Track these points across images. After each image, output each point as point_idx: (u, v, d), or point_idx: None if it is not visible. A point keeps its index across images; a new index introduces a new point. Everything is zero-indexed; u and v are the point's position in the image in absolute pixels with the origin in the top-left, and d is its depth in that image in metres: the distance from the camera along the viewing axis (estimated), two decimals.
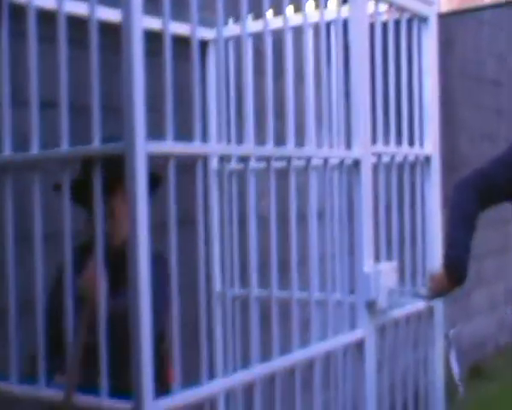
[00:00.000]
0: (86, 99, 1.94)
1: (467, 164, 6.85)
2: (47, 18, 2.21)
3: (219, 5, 2.08)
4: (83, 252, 2.16)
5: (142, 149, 1.74)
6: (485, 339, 7.56)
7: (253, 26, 2.94)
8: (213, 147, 2.17)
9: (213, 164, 3.28)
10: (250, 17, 3.01)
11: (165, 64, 1.88)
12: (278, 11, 2.44)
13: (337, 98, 2.71)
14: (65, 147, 1.93)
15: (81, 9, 2.63)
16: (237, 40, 3.16)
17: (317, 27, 2.61)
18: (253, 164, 2.19)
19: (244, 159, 2.16)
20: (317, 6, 2.82)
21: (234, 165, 2.93)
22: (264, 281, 2.37)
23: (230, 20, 3.18)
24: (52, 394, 1.99)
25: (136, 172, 1.72)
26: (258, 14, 2.38)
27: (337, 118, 2.68)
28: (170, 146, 1.86)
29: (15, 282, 2.09)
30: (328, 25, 2.78)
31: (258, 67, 2.20)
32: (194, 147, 1.96)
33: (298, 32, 2.64)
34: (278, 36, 2.32)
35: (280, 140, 2.32)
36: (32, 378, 2.07)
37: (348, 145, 2.64)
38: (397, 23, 2.90)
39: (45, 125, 2.12)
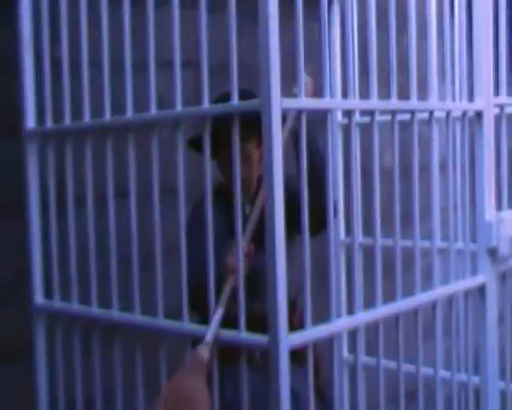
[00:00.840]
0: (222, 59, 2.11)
1: None
2: None
3: None
4: (217, 196, 2.44)
5: (278, 105, 1.89)
6: None
7: None
8: (341, 102, 2.29)
9: (339, 118, 3.42)
10: None
11: (297, 24, 2.01)
12: None
13: (459, 51, 2.76)
14: (205, 105, 2.11)
15: None
16: None
17: None
18: (377, 117, 2.30)
19: (369, 113, 2.28)
20: None
21: (358, 118, 3.05)
22: (385, 232, 2.48)
23: None
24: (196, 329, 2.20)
25: (272, 127, 1.88)
26: None
27: (459, 71, 2.74)
28: (302, 102, 2.01)
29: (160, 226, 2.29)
30: None
31: (379, 23, 2.28)
32: (325, 102, 2.10)
33: None
34: None
35: (403, 93, 2.42)
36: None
37: (471, 98, 2.71)
38: None
39: (186, 84, 2.30)
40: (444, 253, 2.74)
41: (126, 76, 2.33)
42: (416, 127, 2.44)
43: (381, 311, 2.28)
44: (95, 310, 2.46)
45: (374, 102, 2.27)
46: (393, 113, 2.35)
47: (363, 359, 3.20)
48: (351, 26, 2.24)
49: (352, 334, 2.29)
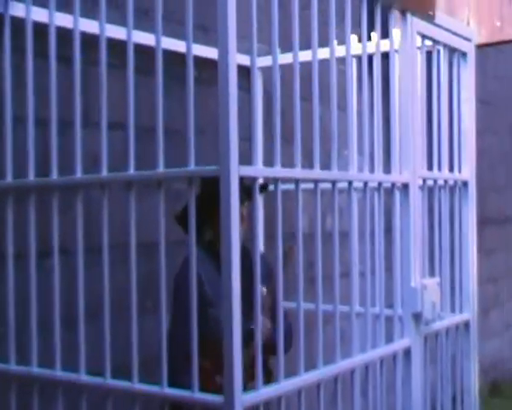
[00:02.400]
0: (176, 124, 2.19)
1: (489, 186, 7.09)
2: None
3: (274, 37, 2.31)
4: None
5: (236, 172, 1.98)
6: (504, 359, 7.77)
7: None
8: (288, 171, 2.38)
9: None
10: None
11: (254, 98, 2.12)
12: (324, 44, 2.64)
13: (377, 126, 2.90)
14: (160, 169, 2.17)
15: (147, 40, 2.93)
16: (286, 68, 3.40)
17: (359, 59, 2.85)
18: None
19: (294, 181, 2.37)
20: (359, 40, 3.09)
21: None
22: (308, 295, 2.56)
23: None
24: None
25: (229, 192, 1.97)
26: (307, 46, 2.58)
27: (377, 146, 2.87)
28: (257, 170, 2.12)
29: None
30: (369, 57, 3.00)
31: (302, 94, 2.39)
32: (273, 171, 2.21)
33: (341, 62, 2.83)
34: (323, 66, 2.52)
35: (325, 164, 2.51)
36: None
37: (385, 170, 2.85)
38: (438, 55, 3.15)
39: (140, 148, 2.36)
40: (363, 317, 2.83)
41: (52, 136, 2.41)
42: (337, 196, 2.51)
43: (322, 372, 2.37)
44: (35, 369, 2.44)
45: (297, 172, 2.33)
46: (316, 182, 2.41)
47: None
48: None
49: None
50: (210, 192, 2.47)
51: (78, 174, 2.37)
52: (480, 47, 4.30)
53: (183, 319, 2.42)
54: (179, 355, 2.61)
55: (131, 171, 2.23)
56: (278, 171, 2.21)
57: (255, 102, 2.22)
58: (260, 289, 2.63)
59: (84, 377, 2.34)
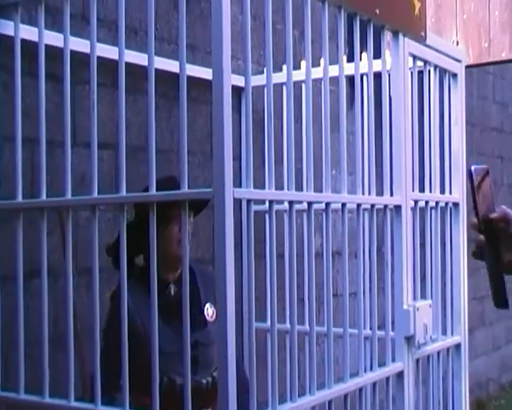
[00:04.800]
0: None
1: None
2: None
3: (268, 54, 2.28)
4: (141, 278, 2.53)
5: (230, 194, 1.95)
6: (488, 378, 7.76)
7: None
8: (281, 194, 2.36)
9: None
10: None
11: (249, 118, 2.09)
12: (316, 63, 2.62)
13: (369, 149, 2.89)
14: (153, 191, 2.13)
15: (137, 59, 2.90)
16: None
17: (348, 79, 2.84)
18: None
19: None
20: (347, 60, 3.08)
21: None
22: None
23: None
24: None
25: (224, 215, 1.93)
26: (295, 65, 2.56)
27: (369, 168, 2.86)
28: (252, 192, 2.09)
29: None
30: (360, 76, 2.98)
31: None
32: (268, 193, 2.18)
33: (332, 83, 2.82)
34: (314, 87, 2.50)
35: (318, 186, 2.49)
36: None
37: (378, 192, 2.84)
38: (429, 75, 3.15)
39: (132, 169, 2.32)
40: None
41: (41, 156, 2.37)
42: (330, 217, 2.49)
43: (316, 397, 2.33)
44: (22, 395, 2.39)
45: (291, 194, 2.33)
46: (309, 204, 2.38)
47: None
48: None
49: None
50: (141, 216, 2.43)
51: (68, 196, 2.33)
52: (467, 68, 4.32)
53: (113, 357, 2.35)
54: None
55: (123, 193, 2.20)
56: (272, 193, 2.19)
57: (248, 123, 2.19)
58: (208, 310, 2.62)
59: (73, 403, 2.29)
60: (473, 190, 1.83)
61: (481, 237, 1.82)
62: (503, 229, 1.81)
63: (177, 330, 2.36)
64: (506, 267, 1.84)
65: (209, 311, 2.83)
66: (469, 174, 1.85)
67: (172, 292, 2.73)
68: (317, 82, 2.51)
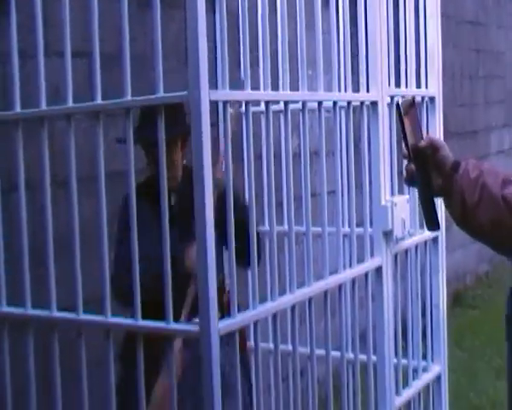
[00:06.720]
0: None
1: (452, 100, 7.12)
2: None
3: None
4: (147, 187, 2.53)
5: (206, 96, 1.93)
6: (465, 270, 7.93)
7: None
8: (258, 94, 2.35)
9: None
10: None
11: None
12: None
13: (344, 44, 2.87)
14: (128, 97, 2.11)
15: None
16: None
17: None
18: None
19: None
20: None
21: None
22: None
23: None
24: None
25: (201, 117, 1.92)
26: None
27: (345, 66, 2.84)
28: (228, 94, 2.07)
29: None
30: None
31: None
32: (244, 94, 2.17)
33: None
34: None
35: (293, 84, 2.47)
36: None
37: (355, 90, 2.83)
38: None
39: (104, 77, 2.28)
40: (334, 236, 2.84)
41: (14, 67, 2.33)
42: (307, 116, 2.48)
43: (296, 295, 2.37)
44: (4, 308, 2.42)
45: (286, 93, 2.34)
46: (286, 103, 2.38)
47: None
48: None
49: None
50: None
51: (43, 106, 2.30)
52: None
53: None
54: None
55: (99, 100, 2.17)
56: (249, 94, 2.17)
57: (222, 24, 2.16)
58: None
59: (56, 314, 2.32)
60: (401, 122, 1.92)
61: (412, 164, 1.92)
62: (431, 155, 1.92)
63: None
64: (436, 191, 1.96)
65: None
66: (397, 107, 1.93)
67: (173, 202, 2.75)
68: None
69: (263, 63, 2.32)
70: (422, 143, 1.94)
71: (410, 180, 2.00)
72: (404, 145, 1.94)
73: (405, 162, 1.97)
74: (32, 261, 2.38)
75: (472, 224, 1.94)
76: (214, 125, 2.77)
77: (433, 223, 1.99)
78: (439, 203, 2.14)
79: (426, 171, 1.95)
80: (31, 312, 2.36)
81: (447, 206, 1.99)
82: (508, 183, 1.90)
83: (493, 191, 1.87)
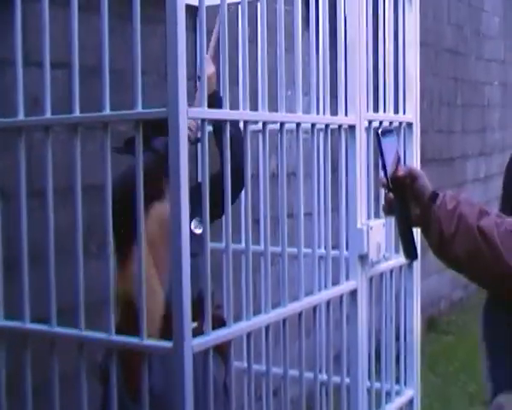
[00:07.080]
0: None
1: (429, 127, 7.19)
2: None
3: None
4: None
5: (185, 113, 1.94)
6: (440, 296, 7.97)
7: None
8: (236, 113, 2.36)
9: None
10: None
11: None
12: None
13: (323, 67, 2.90)
14: (106, 111, 2.11)
15: None
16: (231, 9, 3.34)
17: None
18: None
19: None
20: None
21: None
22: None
23: None
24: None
25: (179, 134, 1.92)
26: None
27: (323, 88, 2.87)
28: (206, 112, 2.07)
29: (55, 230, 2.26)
30: None
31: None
32: (223, 113, 2.17)
33: (288, 3, 2.78)
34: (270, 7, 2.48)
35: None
36: None
37: (333, 113, 2.85)
38: None
39: (84, 90, 2.28)
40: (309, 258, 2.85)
41: None
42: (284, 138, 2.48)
43: (271, 315, 2.37)
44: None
45: (265, 114, 2.34)
46: (264, 123, 2.38)
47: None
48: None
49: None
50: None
51: (21, 116, 2.29)
52: None
53: None
54: None
55: (77, 113, 2.17)
56: (227, 113, 2.18)
57: (202, 43, 2.16)
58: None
59: (28, 325, 2.30)
60: (381, 151, 1.93)
61: (390, 194, 1.94)
62: (409, 185, 1.92)
63: None
64: (414, 221, 1.98)
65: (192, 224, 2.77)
66: (377, 137, 1.95)
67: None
68: (272, 1, 2.48)
69: (242, 83, 2.33)
70: (401, 173, 1.96)
71: (389, 210, 2.01)
72: (382, 174, 1.96)
73: (382, 190, 1.99)
74: (5, 272, 2.36)
75: (449, 255, 1.95)
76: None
77: (410, 253, 2.01)
78: (416, 231, 2.15)
79: (404, 200, 1.96)
80: (2, 323, 2.34)
81: (425, 236, 2.00)
82: (484, 214, 1.91)
83: (469, 221, 1.89)
